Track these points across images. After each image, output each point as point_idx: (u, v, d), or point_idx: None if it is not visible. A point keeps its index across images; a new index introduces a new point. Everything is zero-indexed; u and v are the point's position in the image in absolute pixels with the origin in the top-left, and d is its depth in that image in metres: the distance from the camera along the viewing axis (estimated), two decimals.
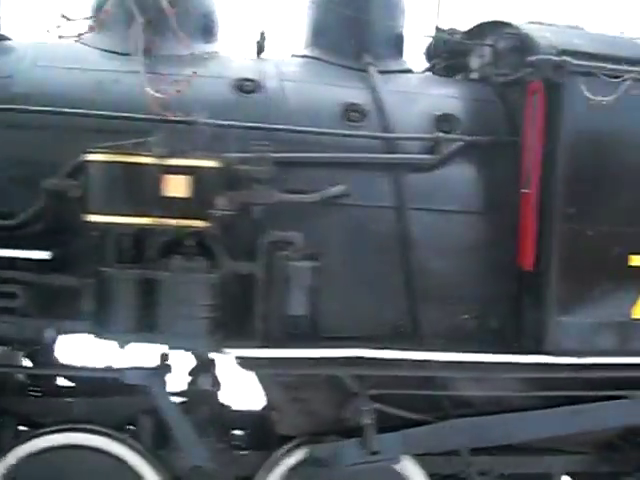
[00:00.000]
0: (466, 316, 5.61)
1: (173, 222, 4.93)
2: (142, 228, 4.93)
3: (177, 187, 4.94)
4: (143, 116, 5.10)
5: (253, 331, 5.14)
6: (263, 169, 5.06)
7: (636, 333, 5.52)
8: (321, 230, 5.40)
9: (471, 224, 5.62)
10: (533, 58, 5.32)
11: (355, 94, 5.74)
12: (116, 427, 5.53)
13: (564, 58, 5.25)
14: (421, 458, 5.76)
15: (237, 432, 6.37)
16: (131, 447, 5.46)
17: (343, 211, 5.44)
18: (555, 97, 5.36)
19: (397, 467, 5.67)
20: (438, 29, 6.46)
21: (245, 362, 5.14)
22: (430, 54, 6.62)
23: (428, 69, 6.61)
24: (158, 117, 5.07)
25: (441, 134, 5.59)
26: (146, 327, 4.98)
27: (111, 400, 5.65)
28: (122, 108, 5.24)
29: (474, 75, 6.50)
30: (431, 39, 6.57)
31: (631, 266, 5.47)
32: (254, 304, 5.13)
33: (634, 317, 5.51)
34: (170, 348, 5.27)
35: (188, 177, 4.93)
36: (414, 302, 5.52)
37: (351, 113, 5.62)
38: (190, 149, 4.95)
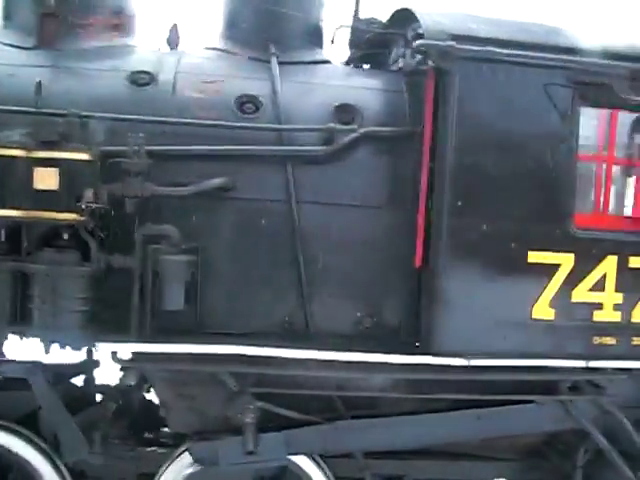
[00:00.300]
0: (360, 314, 5.41)
1: (44, 215, 4.91)
2: (17, 220, 4.94)
3: (47, 180, 4.92)
4: (12, 108, 5.09)
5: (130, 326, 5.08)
6: (133, 162, 5.00)
7: (537, 334, 5.20)
8: (209, 224, 5.30)
9: (368, 219, 5.42)
10: (419, 43, 5.08)
11: (253, 86, 5.61)
12: (20, 421, 5.55)
13: (450, 43, 4.99)
14: (329, 460, 5.62)
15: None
16: (29, 441, 5.47)
17: (232, 205, 5.33)
18: (444, 84, 5.11)
19: (298, 468, 5.54)
20: (356, 19, 6.26)
21: (116, 357, 5.12)
22: (353, 44, 6.42)
23: (349, 60, 6.41)
24: (31, 110, 5.07)
25: (332, 124, 5.39)
26: (20, 320, 4.99)
27: (12, 394, 5.67)
28: (13, 101, 5.25)
29: (399, 64, 6.28)
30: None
31: (530, 263, 5.16)
32: (131, 298, 5.07)
33: (535, 317, 5.19)
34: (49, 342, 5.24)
35: (57, 170, 4.92)
36: (305, 299, 5.36)
37: (245, 105, 5.50)
38: (60, 141, 4.93)
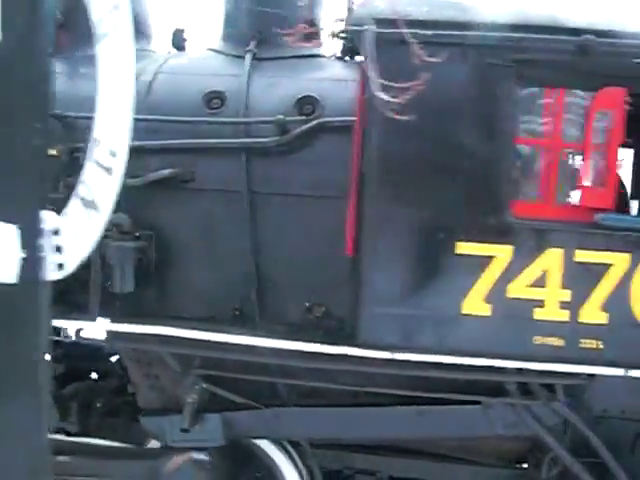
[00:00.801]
0: (310, 303, 5.43)
1: None
2: None
3: None
4: None
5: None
6: None
7: (468, 331, 4.91)
8: (168, 213, 5.61)
9: (317, 209, 5.42)
10: (336, 32, 5.03)
11: (224, 82, 5.82)
12: None
13: (366, 27, 4.86)
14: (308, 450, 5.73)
15: None
16: None
17: (191, 195, 5.60)
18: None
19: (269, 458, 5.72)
20: (349, 11, 6.23)
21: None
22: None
23: (343, 52, 6.38)
24: None
25: (281, 116, 5.47)
26: None
27: None
28: None
29: None
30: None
31: (459, 254, 4.88)
32: (90, 281, 5.52)
33: (465, 312, 4.89)
34: None
35: None
36: (257, 287, 5.50)
37: (212, 100, 5.74)
38: None
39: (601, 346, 4.83)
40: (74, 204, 3.28)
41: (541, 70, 4.78)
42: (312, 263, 5.42)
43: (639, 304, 4.79)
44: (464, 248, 4.86)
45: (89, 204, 3.29)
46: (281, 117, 5.47)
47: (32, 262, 3.18)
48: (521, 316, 4.85)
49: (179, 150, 5.61)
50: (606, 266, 4.78)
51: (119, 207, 5.39)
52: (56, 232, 3.26)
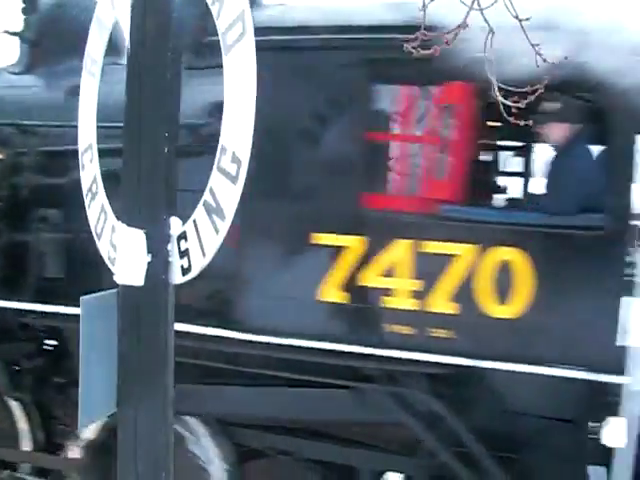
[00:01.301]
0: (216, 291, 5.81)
1: None
2: None
3: None
4: None
5: None
6: None
7: (325, 317, 5.12)
8: None
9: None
10: None
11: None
12: None
13: None
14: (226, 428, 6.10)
15: None
16: None
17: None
18: None
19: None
20: None
21: None
22: None
23: None
24: None
25: None
26: None
27: None
28: None
29: None
30: None
31: (315, 244, 5.12)
32: None
33: (321, 299, 5.12)
34: None
35: None
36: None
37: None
38: None
39: (449, 336, 4.88)
40: (200, 210, 3.28)
41: (389, 68, 4.94)
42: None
43: (485, 295, 4.81)
44: (319, 238, 5.10)
45: (214, 210, 3.25)
46: None
47: (158, 266, 3.20)
48: (372, 304, 5.01)
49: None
50: (453, 257, 4.85)
51: None
52: (182, 237, 3.28)
